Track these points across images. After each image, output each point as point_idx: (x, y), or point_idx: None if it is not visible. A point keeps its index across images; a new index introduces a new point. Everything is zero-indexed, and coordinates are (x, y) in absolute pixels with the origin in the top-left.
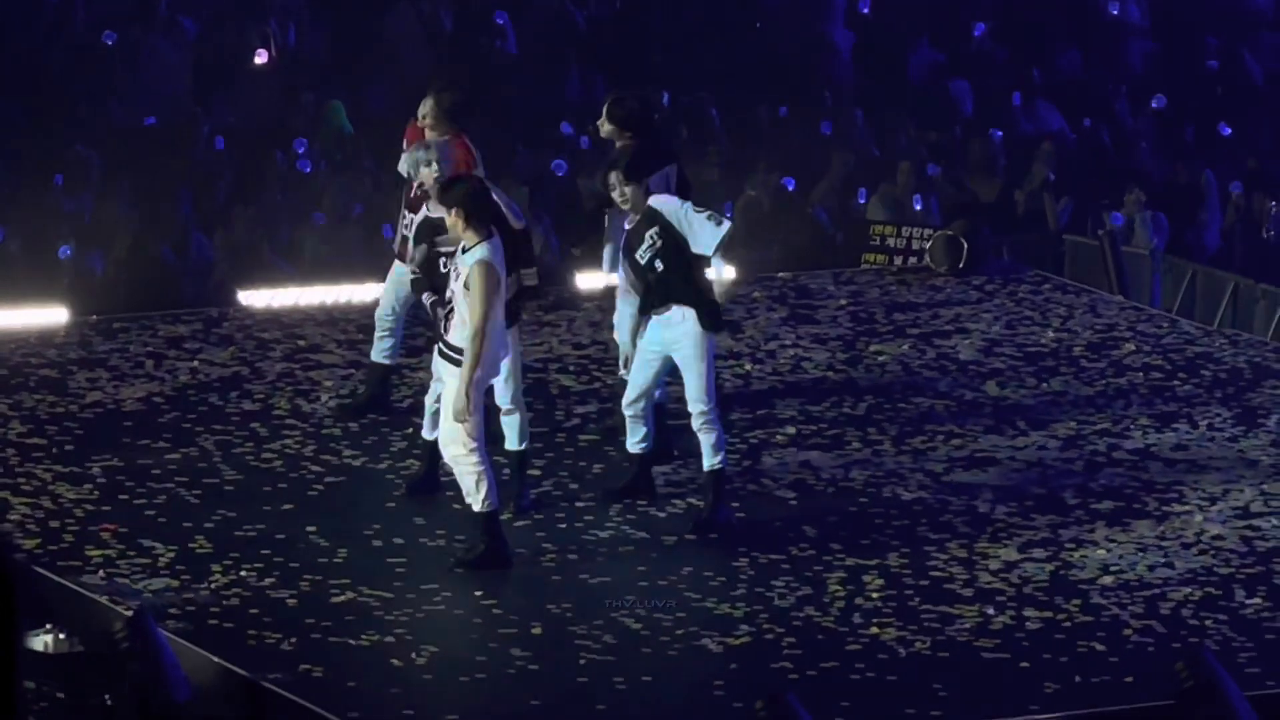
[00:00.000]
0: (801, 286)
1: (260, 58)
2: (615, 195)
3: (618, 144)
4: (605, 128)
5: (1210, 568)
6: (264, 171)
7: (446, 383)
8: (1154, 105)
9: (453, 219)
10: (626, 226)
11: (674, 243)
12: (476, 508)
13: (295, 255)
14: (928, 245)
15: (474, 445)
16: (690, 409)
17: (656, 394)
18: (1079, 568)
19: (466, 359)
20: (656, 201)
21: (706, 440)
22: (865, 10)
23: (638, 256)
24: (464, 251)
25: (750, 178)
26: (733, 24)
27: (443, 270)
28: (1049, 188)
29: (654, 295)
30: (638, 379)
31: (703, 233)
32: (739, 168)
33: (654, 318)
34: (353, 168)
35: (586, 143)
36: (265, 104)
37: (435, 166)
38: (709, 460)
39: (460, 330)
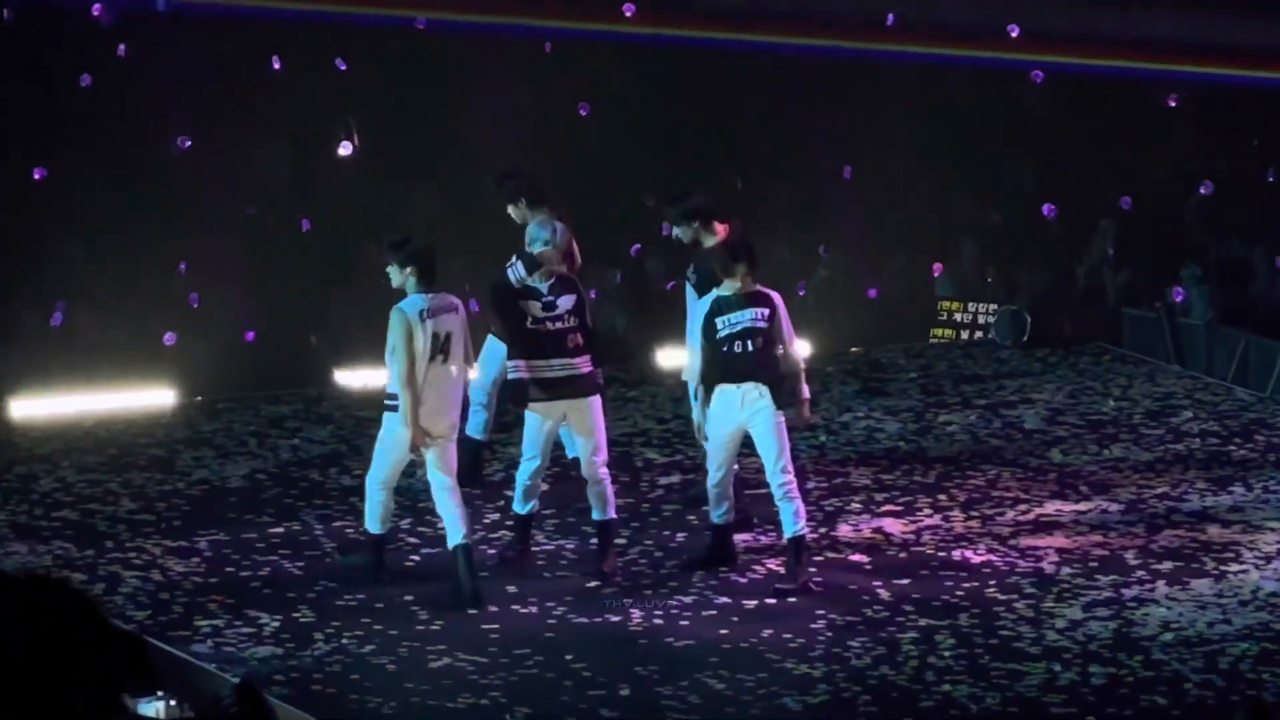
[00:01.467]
0: (874, 360)
1: (344, 149)
2: (733, 276)
3: (703, 235)
4: (686, 229)
5: (1266, 624)
6: (355, 257)
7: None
8: (1202, 191)
9: None
10: (700, 300)
11: (770, 329)
12: None
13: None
14: (993, 320)
15: None
16: (769, 480)
17: (734, 466)
18: (1141, 625)
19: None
20: (766, 290)
21: (787, 509)
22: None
23: (727, 334)
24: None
25: (821, 258)
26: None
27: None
28: (1108, 263)
29: (733, 372)
30: (718, 456)
31: (791, 333)
32: (810, 247)
33: (731, 393)
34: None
35: (667, 229)
36: (352, 193)
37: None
38: (790, 528)
39: None
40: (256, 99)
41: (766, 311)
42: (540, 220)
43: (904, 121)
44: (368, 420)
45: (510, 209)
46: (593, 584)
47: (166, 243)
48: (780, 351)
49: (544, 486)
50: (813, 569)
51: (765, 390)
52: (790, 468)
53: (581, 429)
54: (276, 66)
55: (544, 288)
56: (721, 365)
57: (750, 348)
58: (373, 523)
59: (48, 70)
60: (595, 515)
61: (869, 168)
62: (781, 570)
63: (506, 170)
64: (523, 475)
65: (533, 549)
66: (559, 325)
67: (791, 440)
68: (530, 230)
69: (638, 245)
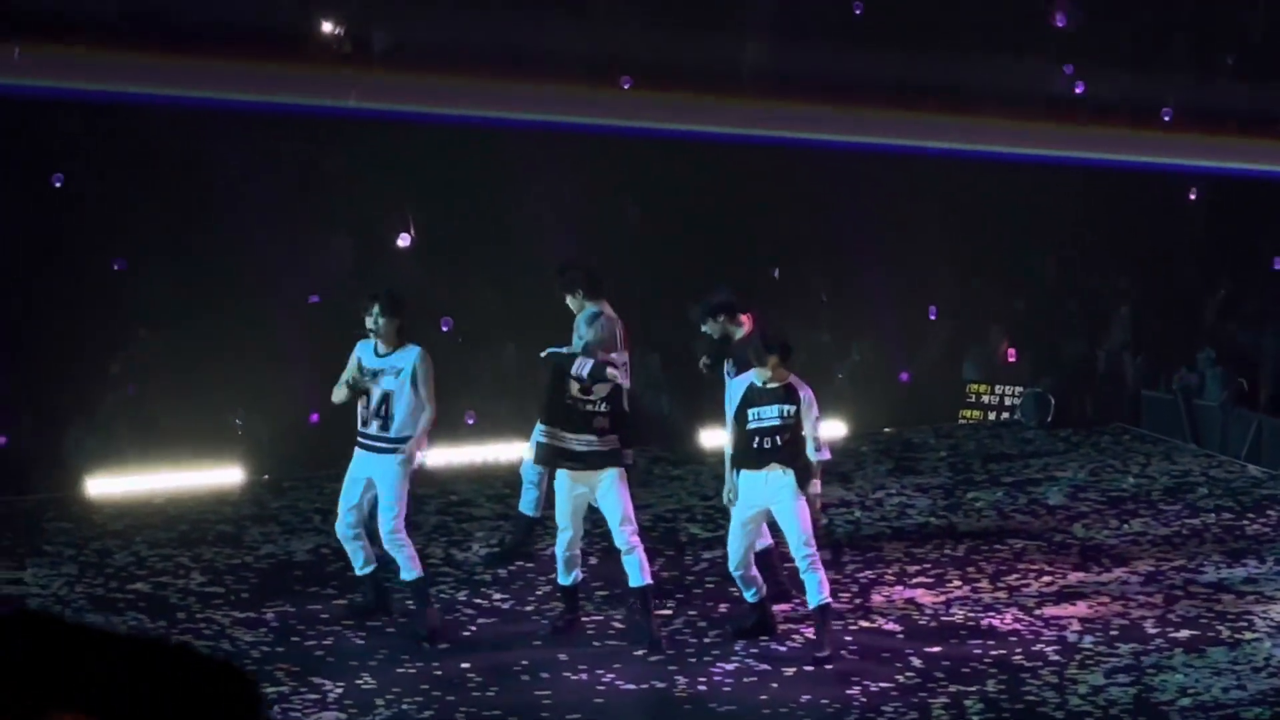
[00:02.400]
0: (906, 440)
1: (403, 241)
2: (765, 365)
3: (731, 328)
4: (714, 325)
5: (1279, 689)
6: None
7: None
8: (1221, 293)
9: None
10: (738, 385)
11: (795, 426)
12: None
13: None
14: (1018, 402)
15: None
16: (794, 554)
17: (759, 545)
18: (1160, 691)
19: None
20: (797, 382)
21: (812, 580)
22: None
23: (755, 427)
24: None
25: (856, 344)
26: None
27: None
28: (1127, 348)
29: (758, 457)
30: (740, 543)
31: (812, 434)
32: (846, 333)
33: (755, 477)
34: (496, 341)
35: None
36: (410, 281)
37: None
38: (815, 598)
39: None
40: (319, 194)
41: (793, 409)
42: (587, 315)
43: (933, 214)
44: (425, 497)
45: (568, 299)
46: (639, 651)
47: (235, 330)
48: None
49: (586, 559)
50: (839, 628)
51: (789, 471)
52: (813, 542)
53: (606, 501)
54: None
55: (585, 371)
56: (747, 452)
57: (777, 442)
58: (411, 571)
59: (124, 168)
60: (631, 583)
61: (901, 258)
62: (850, 643)
63: (566, 262)
64: (559, 548)
65: (582, 618)
66: (590, 408)
67: (827, 517)
68: (577, 324)
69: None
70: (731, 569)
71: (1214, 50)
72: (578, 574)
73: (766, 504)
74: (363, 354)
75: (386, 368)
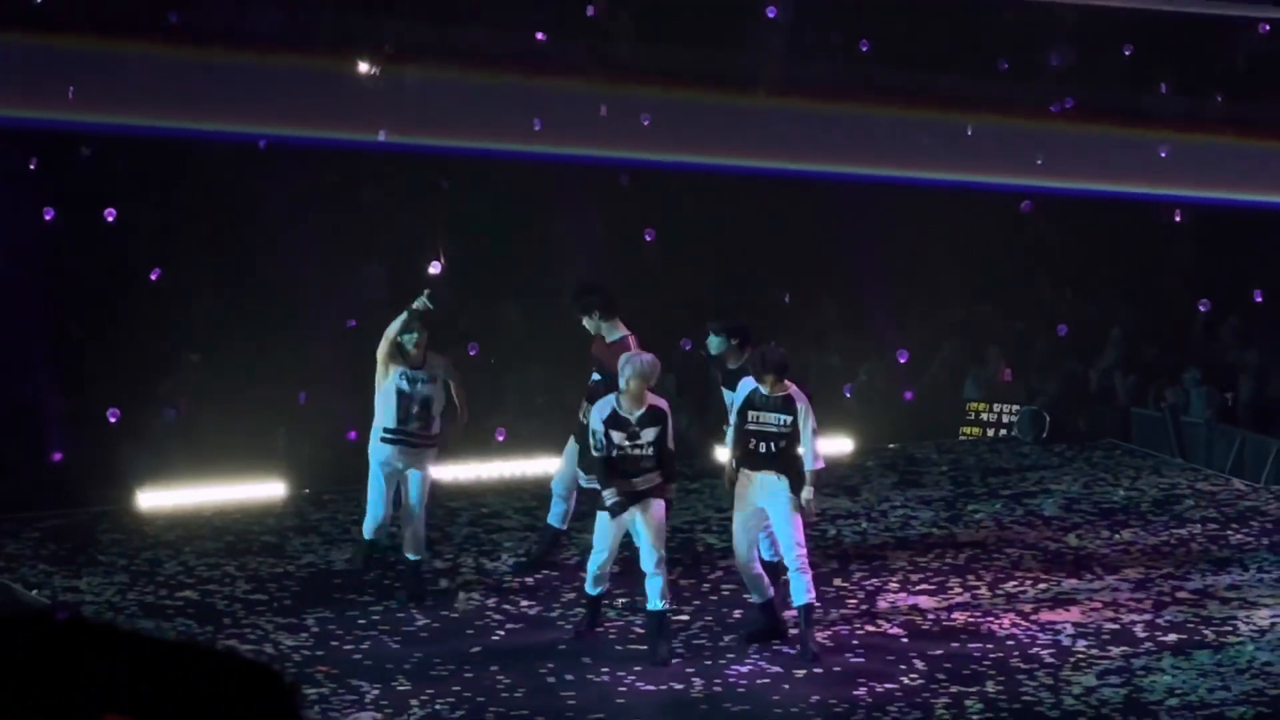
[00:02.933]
0: (909, 455)
1: (434, 268)
2: (764, 382)
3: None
4: (718, 342)
5: (1261, 690)
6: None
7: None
8: (1201, 309)
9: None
10: (744, 387)
11: (792, 434)
12: None
13: (479, 437)
14: (1015, 419)
15: None
16: (784, 555)
17: (767, 555)
18: (1149, 692)
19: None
20: (796, 394)
21: (798, 581)
22: None
23: (755, 429)
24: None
25: (864, 366)
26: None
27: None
28: (1118, 367)
29: (754, 460)
30: (742, 539)
31: (808, 443)
32: (855, 354)
33: (751, 478)
34: (523, 363)
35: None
36: (441, 307)
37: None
38: (801, 598)
39: None
40: (357, 225)
41: (790, 419)
42: (627, 357)
43: (937, 243)
44: (457, 510)
45: (584, 320)
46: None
47: (277, 351)
48: (800, 450)
49: (614, 570)
50: (845, 633)
51: (784, 477)
52: (803, 544)
53: (645, 524)
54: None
55: (634, 418)
56: (746, 453)
57: (774, 449)
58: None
59: (174, 202)
60: (649, 606)
61: (905, 283)
62: (828, 643)
63: (581, 285)
64: (592, 565)
65: (604, 624)
66: (638, 453)
67: (835, 528)
68: (621, 368)
69: (688, 342)
70: (737, 563)
71: (1201, 81)
72: (605, 587)
73: (762, 504)
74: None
75: (424, 376)
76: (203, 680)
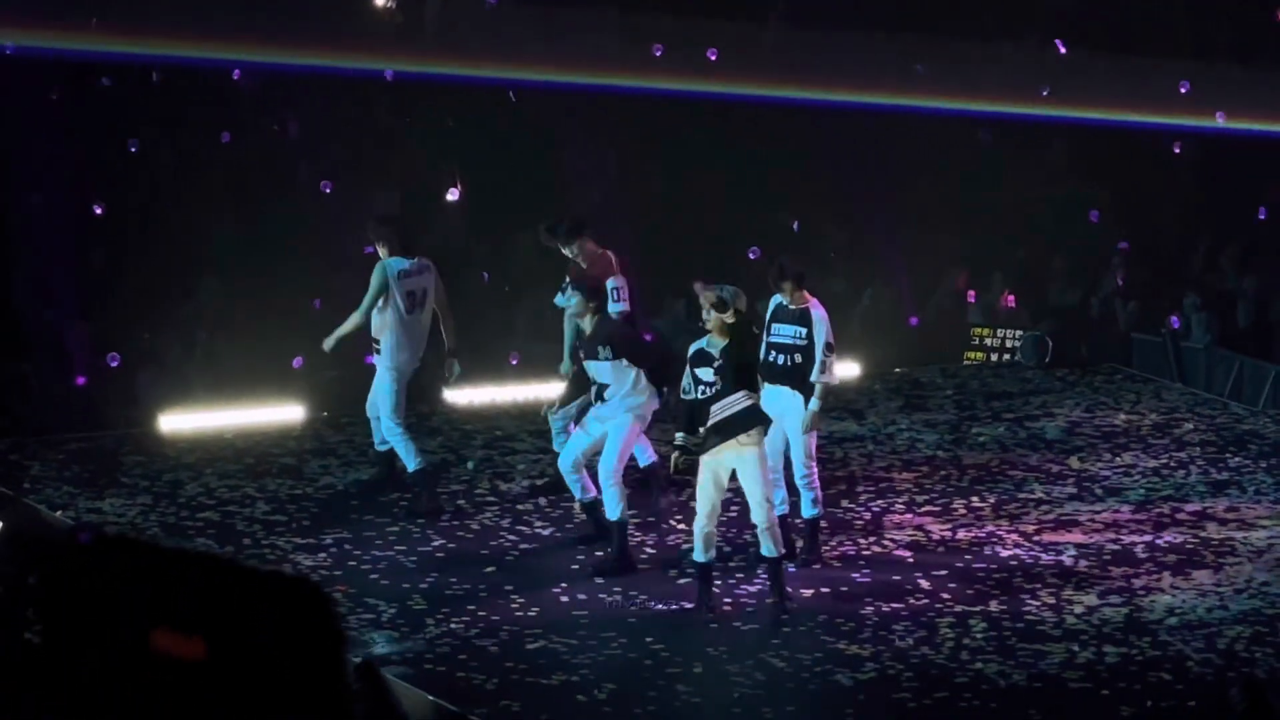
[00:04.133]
0: (915, 380)
1: (452, 195)
2: (782, 290)
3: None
4: (786, 287)
5: (1259, 609)
6: (460, 289)
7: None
8: (1200, 250)
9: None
10: (774, 302)
11: (808, 347)
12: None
13: (494, 361)
14: (1019, 344)
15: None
16: (794, 469)
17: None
18: (1149, 611)
19: None
20: (813, 304)
21: (807, 496)
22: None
23: (775, 341)
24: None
25: (868, 290)
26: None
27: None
28: (1119, 293)
29: (773, 372)
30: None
31: (818, 355)
32: (860, 279)
33: (767, 390)
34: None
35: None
36: (457, 234)
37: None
38: (810, 511)
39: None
40: (375, 151)
41: (805, 331)
42: (736, 290)
43: (943, 170)
44: (473, 433)
45: (566, 250)
46: (672, 573)
47: (295, 277)
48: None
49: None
50: (853, 553)
51: (798, 393)
52: (813, 459)
53: (745, 480)
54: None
55: (717, 350)
56: (764, 365)
57: (789, 363)
58: (413, 460)
59: (193, 127)
60: (763, 552)
61: (910, 210)
62: (835, 563)
63: (553, 221)
64: (696, 528)
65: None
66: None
67: (841, 450)
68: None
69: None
70: None
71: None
72: (712, 554)
73: (778, 417)
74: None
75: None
76: (244, 593)
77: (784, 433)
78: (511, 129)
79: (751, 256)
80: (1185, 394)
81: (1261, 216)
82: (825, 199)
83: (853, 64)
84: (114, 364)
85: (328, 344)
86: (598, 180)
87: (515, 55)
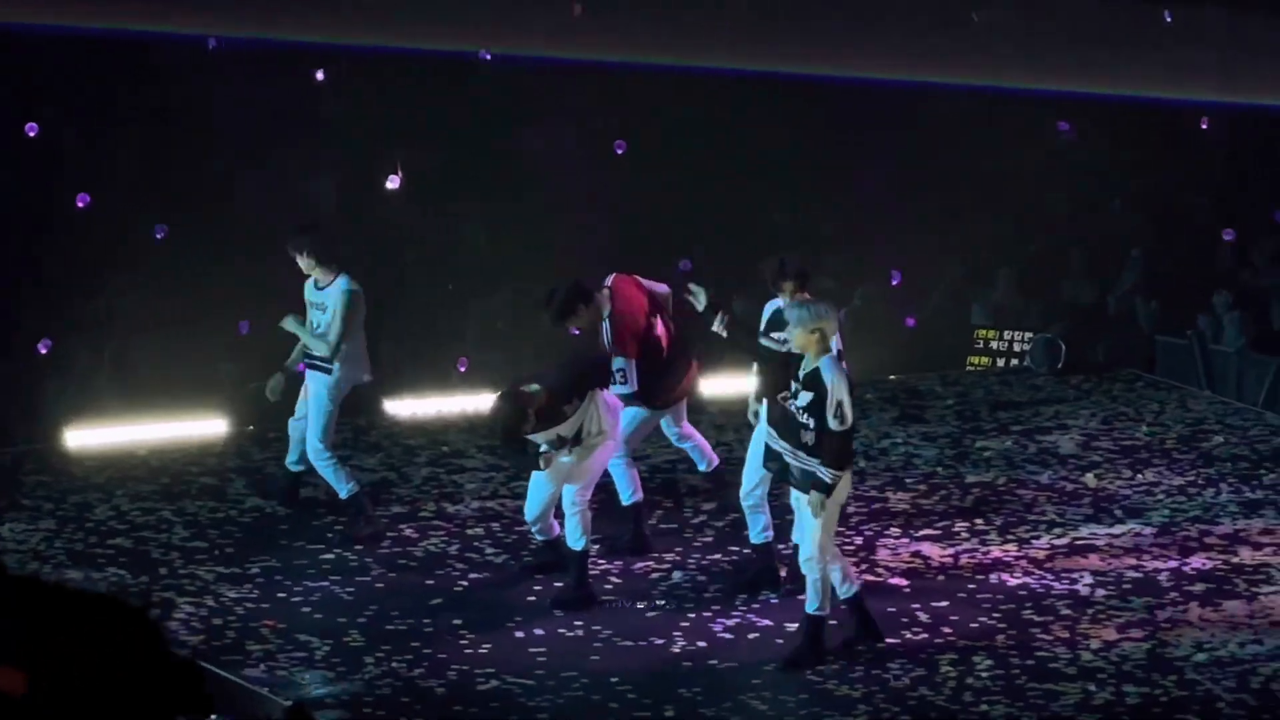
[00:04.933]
0: (911, 388)
1: (392, 182)
2: (782, 290)
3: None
4: (787, 288)
5: None
6: (399, 290)
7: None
8: (1225, 238)
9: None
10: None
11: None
12: None
13: (439, 368)
14: (1028, 348)
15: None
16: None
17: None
18: (1174, 646)
19: None
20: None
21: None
22: None
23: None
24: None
25: (859, 289)
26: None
27: None
28: (1139, 291)
29: (776, 380)
30: (754, 470)
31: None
32: (853, 277)
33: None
34: (495, 290)
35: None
36: (399, 221)
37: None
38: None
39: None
40: (306, 134)
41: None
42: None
43: (942, 152)
44: (417, 448)
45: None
46: (639, 605)
47: (218, 275)
48: None
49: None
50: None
51: None
52: None
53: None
54: (319, 78)
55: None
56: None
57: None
58: (344, 485)
59: (99, 108)
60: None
61: (906, 198)
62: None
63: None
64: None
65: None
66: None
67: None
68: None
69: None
70: (741, 495)
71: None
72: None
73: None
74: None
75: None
76: (65, 621)
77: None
78: (462, 105)
79: (682, 269)
80: (1214, 403)
81: (1277, 218)
82: (818, 185)
83: (834, 33)
84: (44, 350)
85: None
86: (556, 165)
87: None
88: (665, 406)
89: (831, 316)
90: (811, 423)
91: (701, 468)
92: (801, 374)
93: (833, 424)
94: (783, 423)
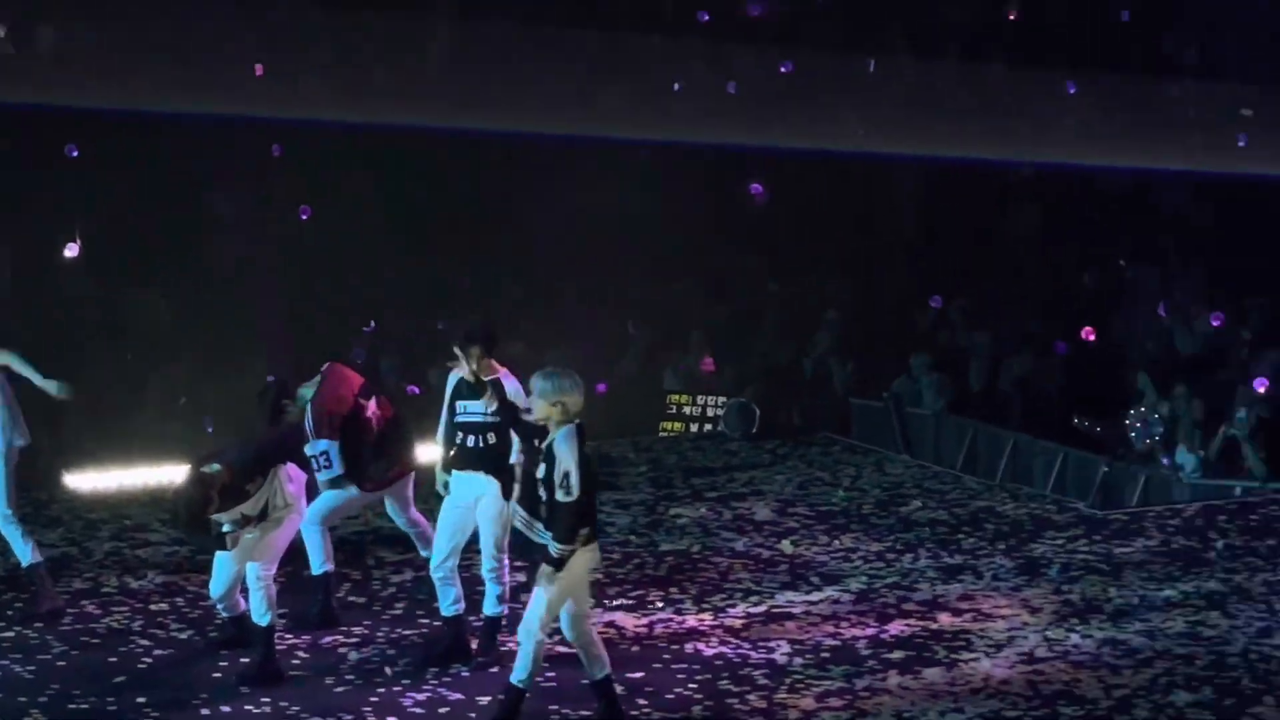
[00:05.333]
0: (603, 455)
1: (71, 251)
2: (469, 357)
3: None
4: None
5: (998, 711)
6: (83, 360)
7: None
8: (933, 305)
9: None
10: (452, 377)
11: (500, 423)
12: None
13: (122, 440)
14: (722, 413)
15: None
16: (483, 561)
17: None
18: (874, 715)
19: None
20: (505, 375)
21: (494, 590)
22: None
23: (463, 421)
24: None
25: (551, 352)
26: (525, 197)
27: None
28: (834, 353)
29: (464, 461)
30: (445, 542)
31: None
32: (541, 343)
33: (461, 478)
34: (177, 360)
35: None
36: (80, 295)
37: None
38: (492, 608)
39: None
40: None
41: (495, 406)
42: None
43: (629, 210)
44: (98, 522)
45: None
46: (327, 680)
47: None
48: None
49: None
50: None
51: (493, 480)
52: (505, 553)
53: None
54: None
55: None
56: (456, 450)
57: (482, 443)
58: (28, 554)
59: None
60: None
61: (592, 261)
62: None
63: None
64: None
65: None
66: None
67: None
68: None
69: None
70: (433, 567)
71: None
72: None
73: (469, 508)
74: None
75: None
76: None
77: (461, 521)
78: (144, 168)
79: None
80: (912, 466)
81: (934, 304)
82: (500, 247)
83: (522, 92)
84: None
85: None
86: (240, 230)
87: (141, 85)
88: (378, 489)
89: (575, 389)
90: (544, 495)
91: (424, 554)
92: (545, 445)
93: (559, 494)
94: (523, 493)
